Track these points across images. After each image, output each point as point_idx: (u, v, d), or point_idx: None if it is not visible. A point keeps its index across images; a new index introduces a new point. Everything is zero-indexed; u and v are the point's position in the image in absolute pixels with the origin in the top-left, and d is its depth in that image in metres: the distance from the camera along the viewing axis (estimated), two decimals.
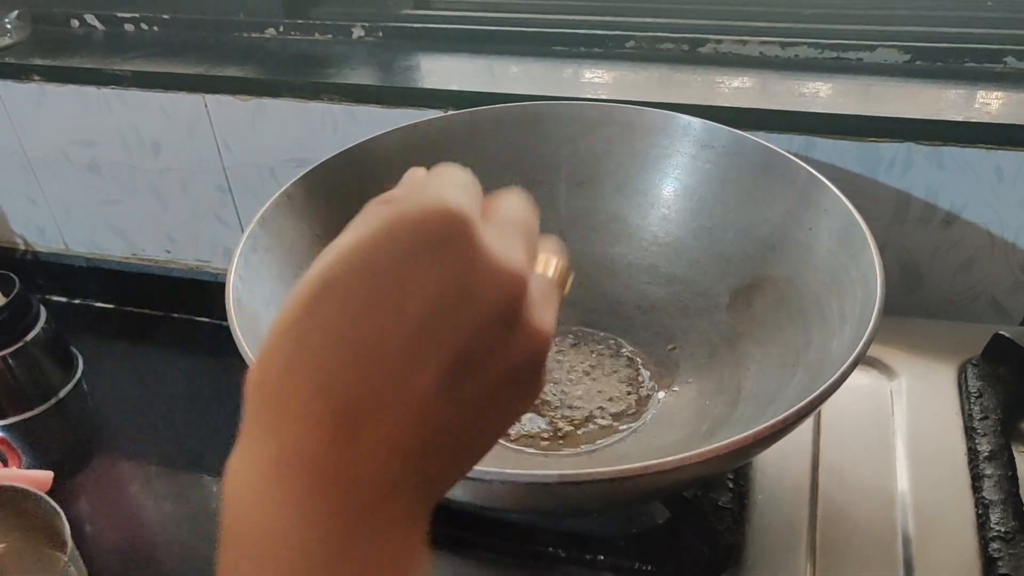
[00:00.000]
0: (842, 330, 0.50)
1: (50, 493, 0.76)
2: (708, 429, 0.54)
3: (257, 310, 0.52)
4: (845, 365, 0.44)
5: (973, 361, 0.62)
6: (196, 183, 0.92)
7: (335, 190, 0.62)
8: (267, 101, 0.83)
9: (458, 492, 0.45)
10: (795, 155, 0.65)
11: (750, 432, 0.40)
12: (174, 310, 1.01)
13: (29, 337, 0.87)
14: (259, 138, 0.86)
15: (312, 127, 0.83)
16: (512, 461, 0.55)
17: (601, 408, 0.59)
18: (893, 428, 0.60)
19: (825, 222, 0.56)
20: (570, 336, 0.66)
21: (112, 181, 0.94)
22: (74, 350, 0.94)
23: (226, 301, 0.50)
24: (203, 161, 0.89)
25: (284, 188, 0.59)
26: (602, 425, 0.58)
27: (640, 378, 0.61)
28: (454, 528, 0.53)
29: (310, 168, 0.61)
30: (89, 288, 1.04)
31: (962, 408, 0.60)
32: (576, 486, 0.40)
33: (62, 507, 0.75)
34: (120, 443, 0.85)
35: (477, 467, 0.39)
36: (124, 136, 0.90)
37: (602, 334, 0.65)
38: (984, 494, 0.53)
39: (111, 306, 1.04)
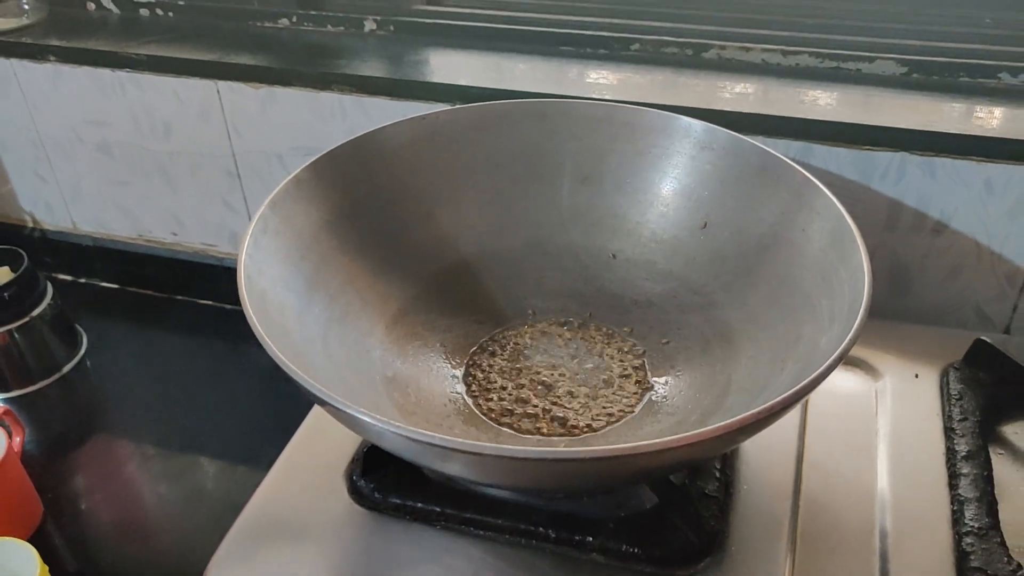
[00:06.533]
0: (831, 327, 0.52)
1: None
2: (697, 419, 0.56)
3: (265, 289, 0.54)
4: (831, 358, 0.45)
5: (955, 365, 0.65)
6: (205, 167, 0.93)
7: (344, 177, 0.64)
8: (278, 90, 0.85)
9: (455, 467, 0.46)
10: (792, 160, 0.67)
11: (736, 418, 0.42)
12: (179, 292, 1.03)
13: (36, 312, 0.88)
14: (269, 125, 0.87)
15: (322, 116, 0.85)
16: (506, 443, 0.57)
17: (594, 398, 0.61)
18: (876, 427, 0.62)
19: (817, 224, 0.58)
20: (567, 327, 0.67)
21: (122, 162, 0.96)
22: (79, 328, 0.96)
23: (238, 277, 0.51)
24: (213, 146, 0.91)
25: (295, 173, 0.61)
26: (595, 414, 0.60)
27: (634, 369, 0.63)
28: (448, 506, 0.55)
29: (321, 154, 0.63)
30: (95, 268, 1.06)
31: (943, 410, 0.62)
32: (566, 463, 0.42)
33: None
34: (120, 422, 0.86)
35: (473, 442, 0.41)
36: (136, 118, 0.92)
37: (599, 326, 0.67)
38: (960, 491, 0.55)
39: (116, 286, 1.06)
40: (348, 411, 0.43)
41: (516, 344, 0.66)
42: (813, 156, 0.73)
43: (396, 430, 0.42)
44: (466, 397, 0.61)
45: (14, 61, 0.92)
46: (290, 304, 0.56)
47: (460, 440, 0.41)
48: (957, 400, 0.61)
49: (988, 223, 0.71)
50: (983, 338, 0.64)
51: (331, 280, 0.61)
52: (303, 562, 0.54)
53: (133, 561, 0.72)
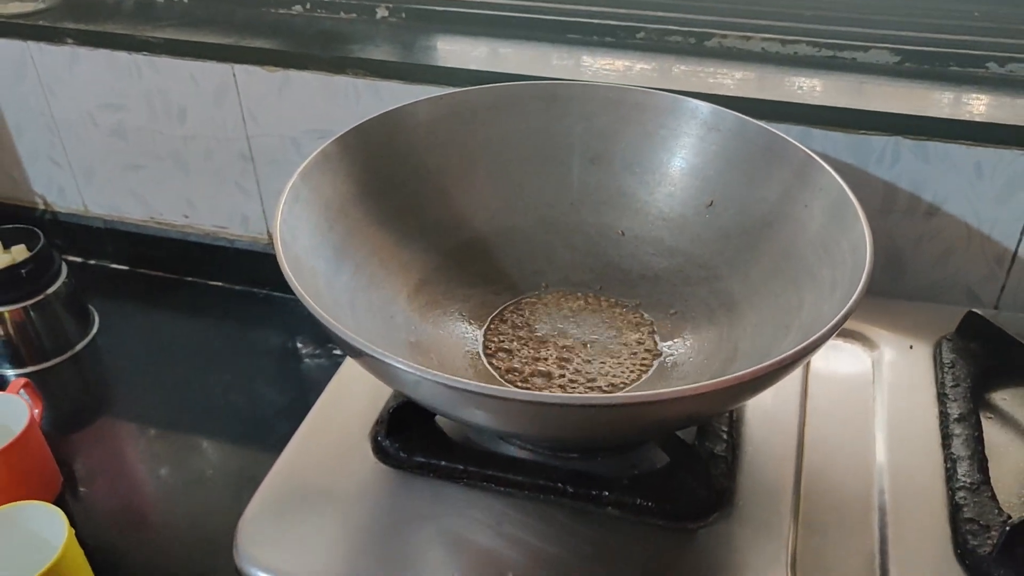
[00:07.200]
0: (833, 294, 0.55)
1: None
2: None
3: (298, 254, 0.57)
4: (836, 319, 0.49)
5: (948, 337, 0.68)
6: (219, 151, 0.95)
7: (368, 152, 0.67)
8: (294, 73, 0.87)
9: (483, 415, 0.49)
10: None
11: (746, 371, 0.45)
12: (189, 274, 1.05)
13: (50, 290, 0.90)
14: (284, 109, 0.89)
15: (336, 100, 0.87)
16: None
17: (606, 364, 0.64)
18: (873, 395, 0.65)
19: (820, 199, 0.62)
20: (579, 299, 0.70)
21: (136, 146, 0.98)
22: (91, 308, 0.98)
23: (274, 240, 0.54)
24: (228, 129, 0.93)
25: (323, 147, 0.63)
26: (608, 379, 0.63)
27: (643, 338, 0.66)
28: (470, 464, 0.58)
29: (347, 130, 0.65)
30: (106, 250, 1.07)
31: (936, 377, 0.65)
32: (590, 409, 0.45)
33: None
34: (131, 400, 0.88)
35: (504, 387, 0.44)
36: (151, 102, 0.94)
37: (610, 299, 0.70)
38: (953, 450, 0.59)
39: (127, 268, 1.07)
40: (387, 361, 0.46)
41: (531, 314, 0.69)
42: (811, 140, 0.75)
43: (433, 377, 0.45)
44: (485, 362, 0.64)
45: (31, 44, 0.94)
46: (320, 271, 0.59)
47: (492, 387, 0.44)
48: (950, 368, 0.65)
49: (978, 207, 0.75)
50: (975, 310, 0.67)
51: (357, 250, 0.63)
52: (331, 516, 0.57)
53: (150, 531, 0.73)
